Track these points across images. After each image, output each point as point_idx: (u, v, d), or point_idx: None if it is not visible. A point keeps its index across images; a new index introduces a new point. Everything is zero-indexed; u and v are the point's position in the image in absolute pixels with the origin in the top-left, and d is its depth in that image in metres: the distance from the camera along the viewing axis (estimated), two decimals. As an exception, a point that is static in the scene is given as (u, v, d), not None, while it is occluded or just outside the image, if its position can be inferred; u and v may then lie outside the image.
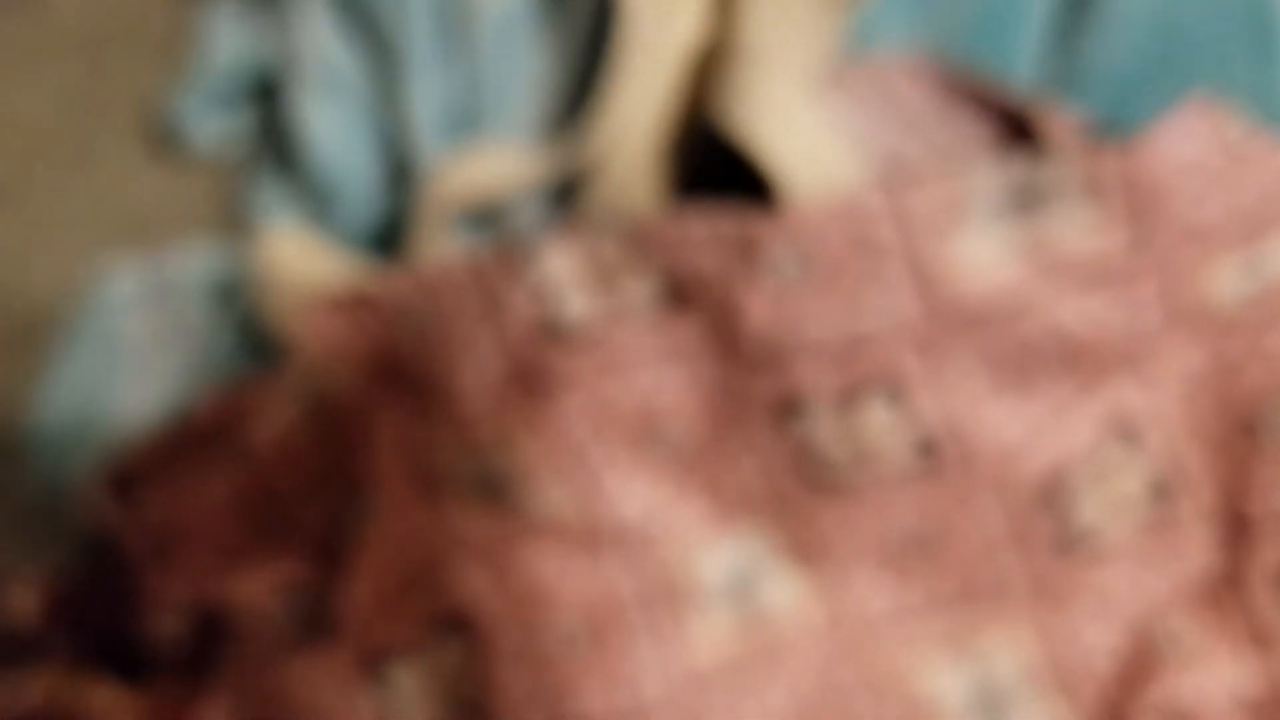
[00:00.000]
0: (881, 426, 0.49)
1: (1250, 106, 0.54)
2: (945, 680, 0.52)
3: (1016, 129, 0.53)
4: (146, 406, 0.59)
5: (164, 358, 0.61)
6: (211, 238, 0.63)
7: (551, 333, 0.50)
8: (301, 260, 0.55)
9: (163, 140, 0.66)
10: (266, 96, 0.65)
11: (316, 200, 0.60)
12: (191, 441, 0.54)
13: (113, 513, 0.53)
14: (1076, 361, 0.50)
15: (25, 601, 0.54)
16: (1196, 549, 0.53)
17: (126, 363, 0.61)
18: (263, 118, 0.65)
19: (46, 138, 0.69)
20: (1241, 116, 0.50)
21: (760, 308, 0.48)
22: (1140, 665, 0.52)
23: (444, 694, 0.52)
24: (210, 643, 0.54)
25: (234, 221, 0.64)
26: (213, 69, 0.65)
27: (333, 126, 0.60)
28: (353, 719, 0.52)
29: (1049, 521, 0.51)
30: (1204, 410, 0.52)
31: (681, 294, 0.50)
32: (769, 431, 0.50)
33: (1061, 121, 0.52)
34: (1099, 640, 0.52)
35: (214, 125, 0.65)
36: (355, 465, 0.53)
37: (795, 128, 0.50)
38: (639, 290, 0.50)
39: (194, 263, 0.62)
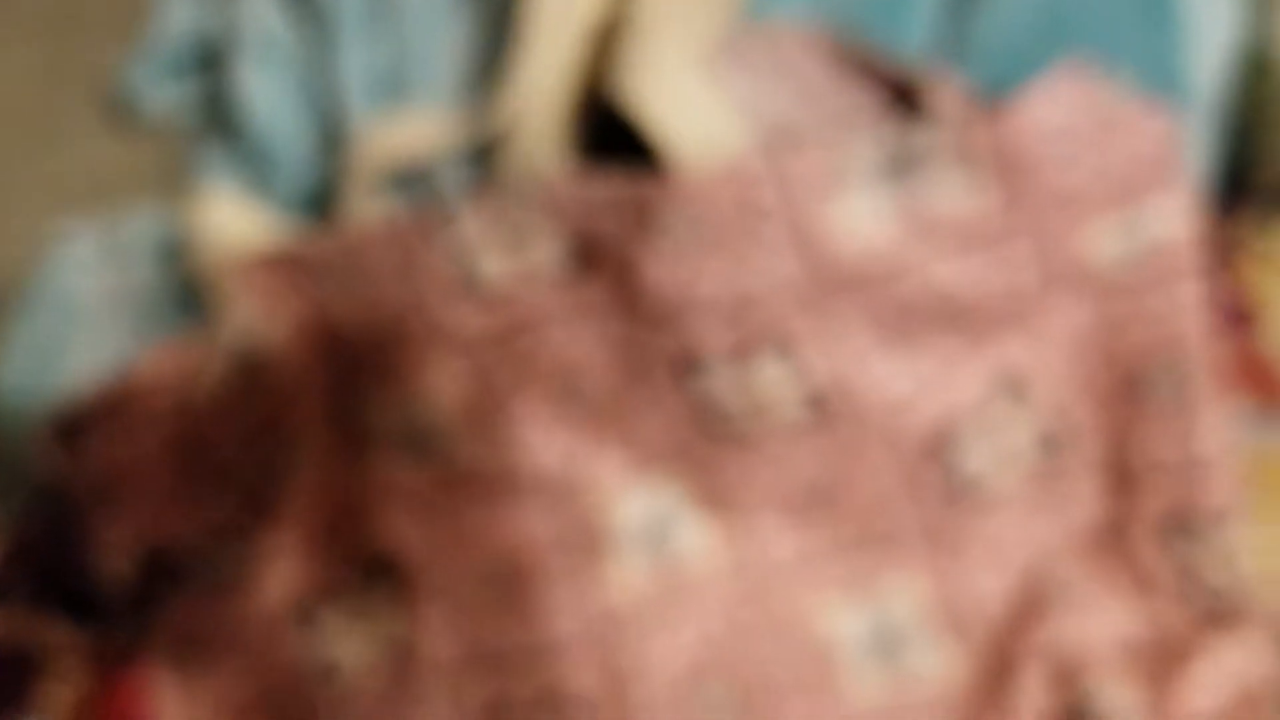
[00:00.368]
0: (773, 381, 0.52)
1: (1140, 76, 0.57)
2: (844, 622, 0.55)
3: (905, 98, 0.55)
4: (100, 362, 0.62)
5: (116, 316, 0.63)
6: (162, 202, 0.66)
7: (467, 291, 0.53)
8: (234, 221, 0.58)
9: (118, 111, 0.69)
10: (213, 67, 0.67)
11: (255, 164, 0.63)
12: (133, 395, 0.57)
13: (61, 461, 0.56)
14: (961, 320, 0.52)
15: (-21, 544, 0.57)
16: (1083, 499, 0.56)
17: (81, 321, 0.63)
18: (209, 87, 0.67)
19: (9, 114, 0.72)
20: (1121, 81, 0.52)
21: (656, 268, 0.51)
22: (1029, 609, 0.55)
23: (370, 634, 0.55)
24: (153, 584, 0.57)
25: (183, 186, 0.67)
26: (163, 41, 0.68)
27: (269, 94, 0.63)
28: (283, 658, 0.55)
29: (938, 472, 0.54)
30: (1090, 368, 0.55)
31: (587, 255, 0.52)
32: (672, 386, 0.53)
33: (947, 91, 0.55)
34: (990, 585, 0.56)
35: (164, 94, 0.68)
36: (285, 417, 0.56)
37: (683, 99, 0.52)
38: (548, 251, 0.53)
39: (145, 226, 0.64)
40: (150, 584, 0.57)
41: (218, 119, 0.66)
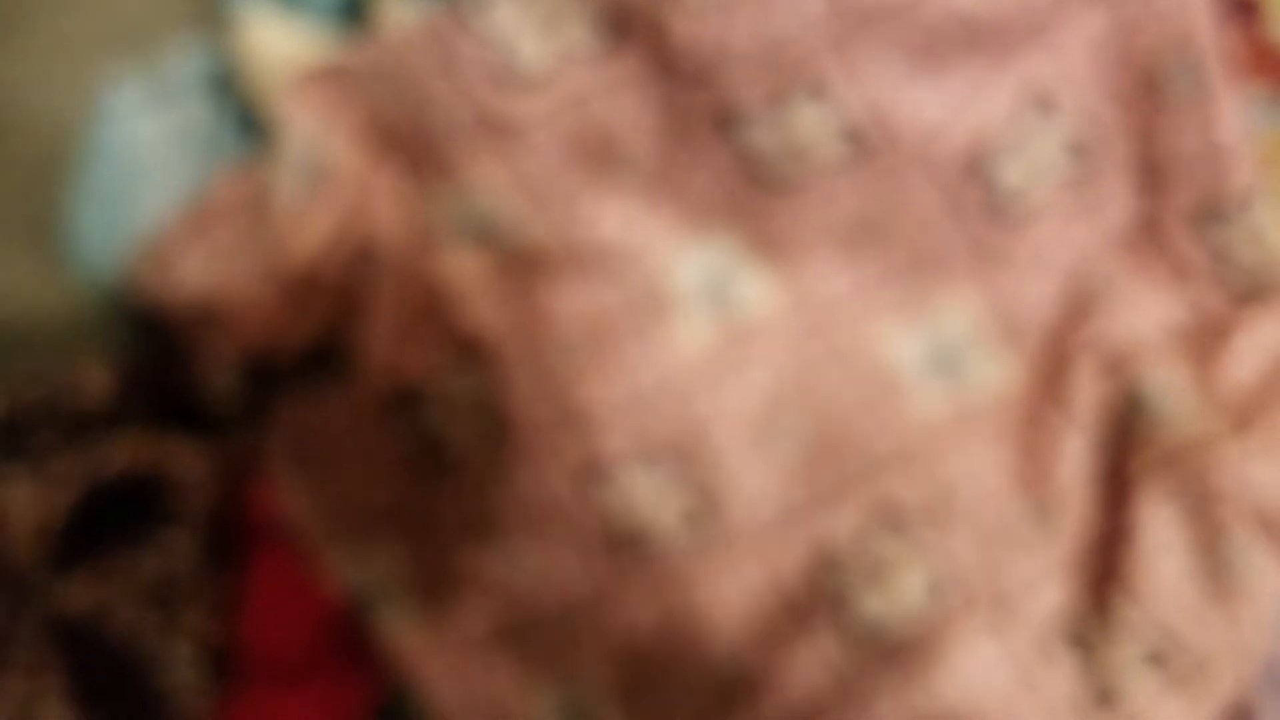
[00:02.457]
0: (810, 122, 0.55)
1: None
2: (904, 344, 0.59)
3: None
4: (169, 198, 0.65)
5: (179, 154, 0.66)
6: (201, 36, 0.68)
7: (509, 78, 0.55)
8: (277, 42, 0.60)
9: None
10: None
11: None
12: (213, 217, 0.60)
13: (157, 289, 0.59)
14: (983, 41, 0.55)
15: (97, 381, 0.61)
16: (1116, 199, 0.59)
17: (146, 164, 0.66)
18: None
19: None
20: None
21: (685, 26, 0.53)
22: (1076, 308, 0.59)
23: (467, 411, 0.59)
24: (264, 393, 0.61)
25: (218, 16, 0.68)
26: None
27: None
28: (389, 444, 0.60)
29: (977, 190, 0.57)
30: (1110, 72, 0.57)
31: (619, 25, 0.55)
32: (715, 140, 0.56)
33: None
34: (1038, 291, 0.59)
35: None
36: (357, 221, 0.59)
37: None
38: (582, 27, 0.55)
39: (190, 62, 0.66)
40: (262, 393, 0.61)
41: None
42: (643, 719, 0.56)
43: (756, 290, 0.58)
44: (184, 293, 0.58)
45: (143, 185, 0.65)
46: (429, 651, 0.58)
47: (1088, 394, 0.57)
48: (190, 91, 0.65)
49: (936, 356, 0.59)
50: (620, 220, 0.57)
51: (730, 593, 0.56)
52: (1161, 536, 0.55)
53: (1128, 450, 0.56)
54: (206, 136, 0.65)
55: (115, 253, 0.64)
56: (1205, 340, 0.58)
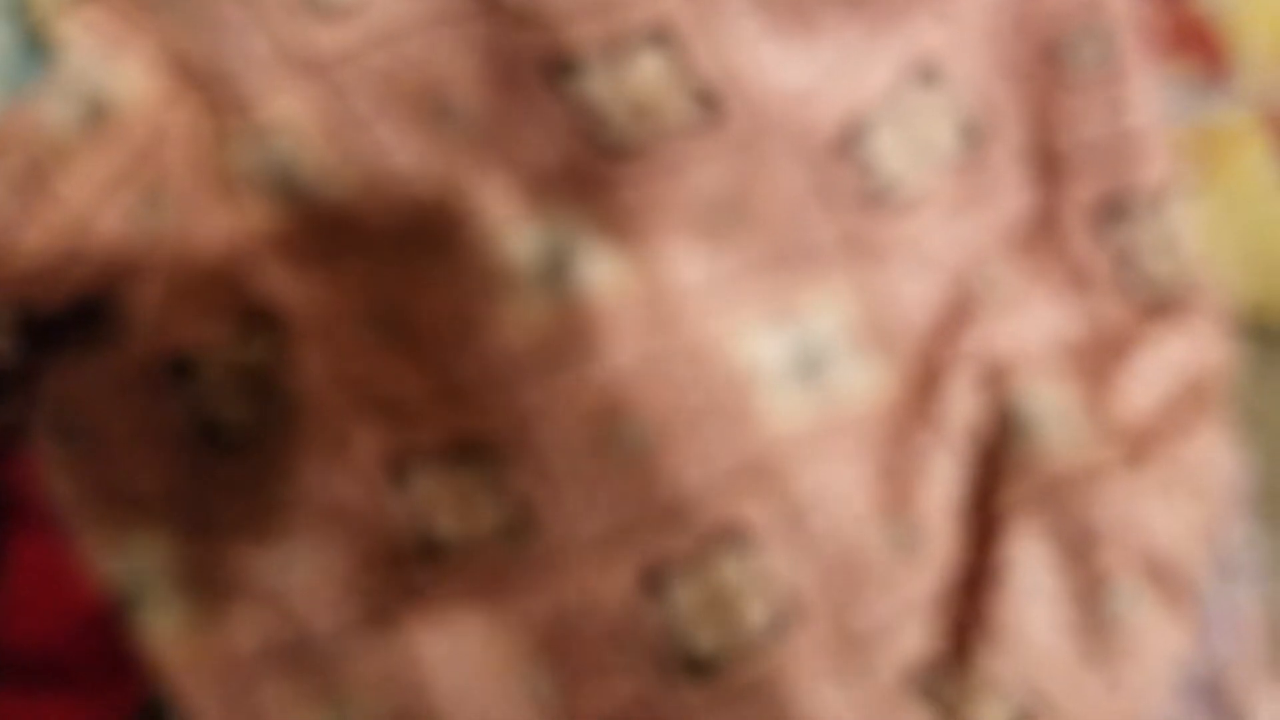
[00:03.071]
0: (656, 77, 0.49)
1: None
2: (764, 344, 0.53)
3: None
4: None
5: None
6: None
7: (311, 6, 0.49)
8: None
9: None
10: None
11: None
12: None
13: None
14: (861, 2, 0.48)
15: None
16: (1010, 191, 0.54)
17: None
18: None
19: None
20: None
21: None
22: (957, 314, 0.54)
23: (248, 389, 0.53)
24: (36, 355, 0.55)
25: None
26: None
27: None
28: (159, 420, 0.53)
29: (851, 173, 0.52)
30: (1007, 42, 0.52)
31: None
32: (548, 93, 0.50)
33: None
34: (916, 293, 0.54)
35: None
36: (144, 166, 0.53)
37: None
38: None
39: None
40: (32, 358, 0.54)
41: None
42: None
43: (600, 272, 0.52)
44: None
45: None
46: (192, 663, 0.52)
47: (963, 410, 0.52)
48: None
49: (799, 359, 0.53)
50: (440, 179, 0.51)
51: (536, 624, 0.50)
52: (1034, 581, 0.50)
53: (1002, 477, 0.52)
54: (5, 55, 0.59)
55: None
56: (1101, 356, 0.53)
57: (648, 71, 0.49)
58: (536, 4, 0.48)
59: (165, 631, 0.53)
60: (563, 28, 0.48)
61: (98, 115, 0.52)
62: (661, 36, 0.49)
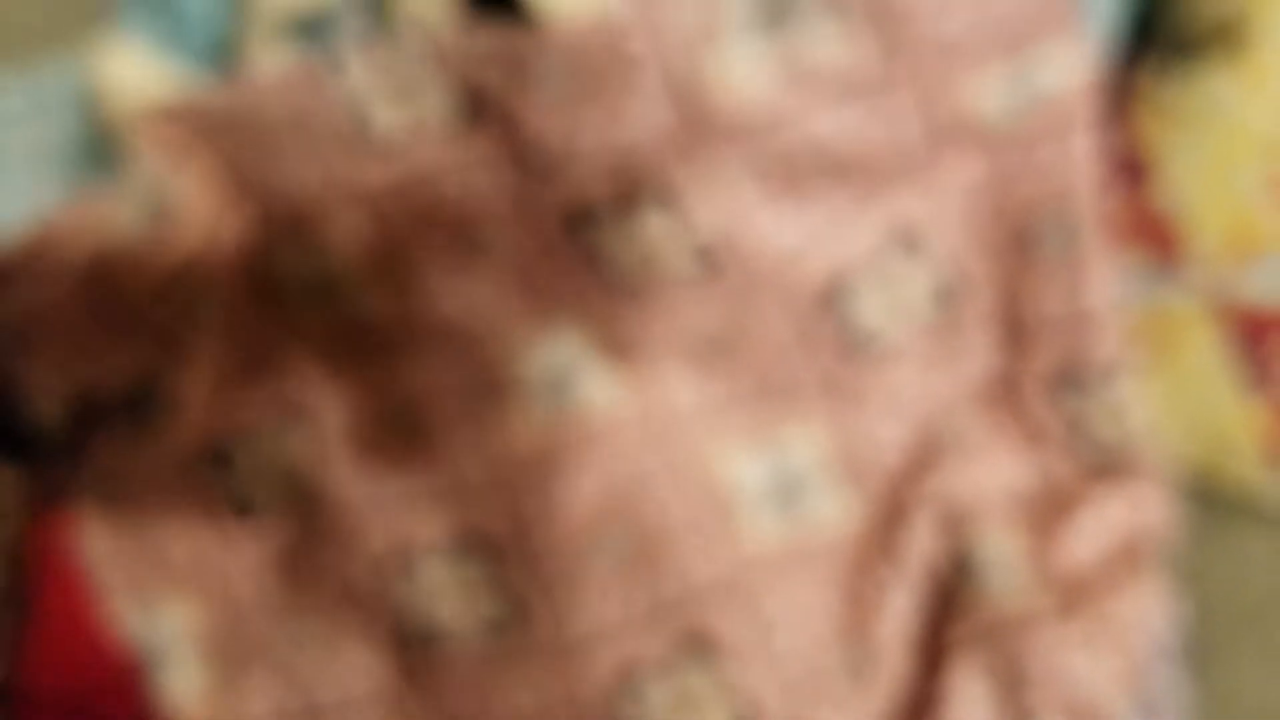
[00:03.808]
0: (659, 232, 0.55)
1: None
2: (745, 468, 0.59)
3: None
4: (23, 212, 0.65)
5: (41, 167, 0.65)
6: (77, 51, 0.68)
7: (361, 142, 0.55)
8: (141, 73, 0.60)
9: None
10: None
11: (166, 14, 0.65)
12: (49, 245, 0.59)
13: None
14: (848, 173, 0.56)
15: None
16: (978, 352, 0.59)
17: (7, 171, 0.66)
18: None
19: None
20: None
21: (537, 119, 0.54)
22: (923, 458, 0.59)
23: (278, 477, 0.59)
24: (82, 427, 0.60)
25: (99, 36, 0.69)
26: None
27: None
28: (196, 498, 0.59)
29: (831, 324, 0.58)
30: (982, 221, 0.58)
31: (474, 107, 0.55)
32: (565, 237, 0.56)
33: None
34: (887, 435, 0.59)
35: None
36: (197, 266, 0.59)
37: None
38: (437, 103, 0.55)
39: (67, 76, 0.66)
40: (79, 426, 0.60)
41: None
42: None
43: (601, 390, 0.58)
44: (10, 316, 0.58)
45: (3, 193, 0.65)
46: None
47: (921, 550, 0.58)
48: (62, 106, 0.66)
49: (777, 485, 0.59)
50: (466, 301, 0.57)
51: (522, 710, 0.55)
52: (971, 712, 0.55)
53: (951, 615, 0.57)
54: (69, 154, 0.65)
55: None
56: (1049, 510, 0.58)
57: (653, 227, 0.55)
58: (559, 163, 0.54)
59: (185, 693, 0.58)
60: (581, 185, 0.54)
61: (161, 219, 0.58)
62: (666, 198, 0.55)
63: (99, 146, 0.65)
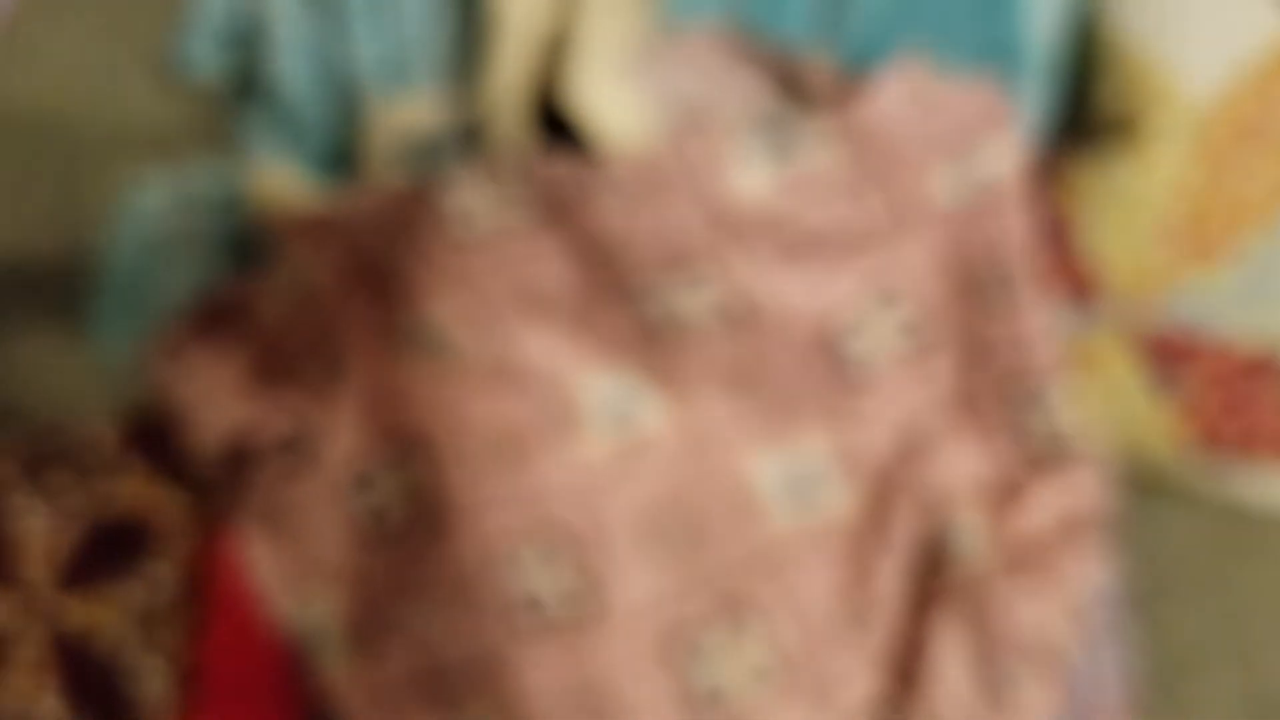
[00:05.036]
0: (688, 304, 0.68)
1: (982, 47, 0.71)
2: (765, 470, 0.71)
3: (789, 78, 0.71)
4: (176, 294, 0.77)
5: (186, 256, 0.78)
6: (212, 156, 0.80)
7: (459, 242, 0.67)
8: (281, 187, 0.73)
9: (169, 74, 0.83)
10: (250, 41, 0.81)
11: (287, 129, 0.78)
12: (215, 317, 0.73)
13: (164, 372, 0.72)
14: (834, 248, 0.68)
15: (105, 437, 0.73)
16: (943, 373, 0.72)
17: (159, 260, 0.78)
18: (246, 58, 0.81)
19: (75, 74, 0.85)
20: (947, 68, 0.65)
21: (598, 222, 0.66)
22: (905, 457, 0.72)
23: (407, 495, 0.71)
24: (244, 465, 0.73)
25: (227, 143, 0.81)
26: (208, 14, 0.82)
27: (296, 71, 0.78)
28: (343, 517, 0.72)
29: (827, 359, 0.70)
30: (941, 275, 0.70)
31: (548, 211, 0.67)
32: (618, 303, 0.68)
33: (820, 73, 0.70)
34: (876, 440, 0.72)
35: (209, 62, 0.82)
36: (335, 330, 0.72)
37: (609, 99, 0.68)
38: (520, 212, 0.67)
39: (205, 179, 0.79)
40: (241, 464, 0.73)
41: (255, 89, 0.80)
42: None
43: (650, 415, 0.70)
44: (188, 377, 0.71)
45: (156, 281, 0.77)
46: (355, 687, 0.70)
47: (905, 528, 0.70)
48: (203, 205, 0.78)
49: (791, 483, 0.71)
50: (543, 348, 0.70)
51: (607, 658, 0.68)
52: (949, 650, 0.67)
53: (931, 576, 0.69)
54: (212, 246, 0.78)
55: (129, 334, 0.77)
56: (1003, 495, 0.70)
57: (684, 301, 0.67)
58: (615, 254, 0.66)
59: (335, 665, 0.70)
60: (632, 270, 0.67)
61: (301, 295, 0.71)
62: (695, 280, 0.67)
63: (236, 239, 0.77)
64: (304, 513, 0.72)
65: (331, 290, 0.71)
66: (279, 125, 0.79)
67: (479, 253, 0.68)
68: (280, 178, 0.73)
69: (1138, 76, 0.70)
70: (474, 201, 0.67)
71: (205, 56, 0.82)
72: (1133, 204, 0.70)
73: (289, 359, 0.72)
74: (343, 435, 0.72)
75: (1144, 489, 0.76)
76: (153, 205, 0.79)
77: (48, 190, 0.82)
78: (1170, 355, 0.72)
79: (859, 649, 0.69)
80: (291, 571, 0.73)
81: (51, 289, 0.80)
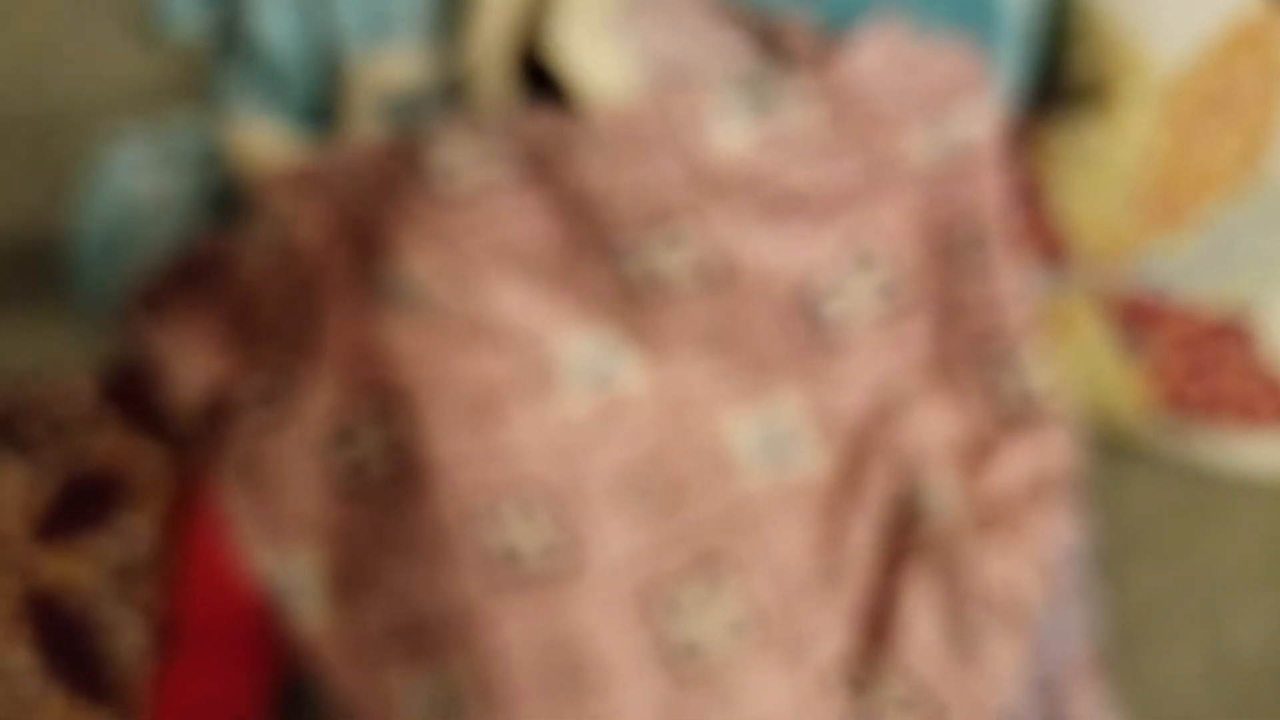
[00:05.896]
0: (667, 262, 0.68)
1: (957, 10, 0.72)
2: (741, 430, 0.72)
3: (768, 37, 0.71)
4: (155, 247, 0.76)
5: (164, 209, 0.78)
6: (192, 111, 0.81)
7: (442, 199, 0.68)
8: (259, 138, 0.73)
9: (147, 28, 0.83)
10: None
11: (269, 84, 0.78)
12: (194, 271, 0.73)
13: (142, 325, 0.72)
14: (813, 208, 0.68)
15: (84, 389, 0.73)
16: (917, 334, 0.73)
17: (137, 214, 0.78)
18: (228, 13, 0.82)
19: (51, 29, 0.84)
20: (923, 31, 0.66)
21: (579, 177, 0.66)
22: (880, 418, 0.73)
23: (387, 450, 0.72)
24: (222, 418, 0.73)
25: (209, 98, 0.81)
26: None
27: (278, 25, 0.78)
28: (322, 471, 0.72)
29: (804, 319, 0.71)
30: (916, 235, 0.71)
31: (532, 168, 0.67)
32: (599, 260, 0.69)
33: (799, 33, 0.70)
34: (851, 401, 0.73)
35: (189, 16, 0.82)
36: (314, 284, 0.72)
37: (591, 54, 0.68)
38: (502, 168, 0.67)
39: (185, 134, 0.79)
40: (220, 418, 0.73)
41: (236, 43, 0.80)
42: (502, 712, 0.70)
43: (629, 374, 0.71)
44: (165, 328, 0.71)
45: (133, 234, 0.77)
46: (333, 641, 0.70)
47: (878, 487, 0.71)
48: (183, 159, 0.78)
49: (766, 442, 0.72)
50: (522, 305, 0.70)
51: (584, 612, 0.69)
52: (920, 605, 0.68)
53: (903, 534, 0.70)
54: (192, 199, 0.77)
55: (107, 289, 0.77)
56: (975, 454, 0.72)
57: (664, 259, 0.68)
58: (596, 209, 0.66)
59: (313, 618, 0.71)
60: (613, 226, 0.67)
61: (284, 249, 0.71)
62: (674, 238, 0.67)
63: (216, 193, 0.77)
64: (282, 466, 0.72)
65: (311, 245, 0.72)
66: (260, 81, 0.79)
67: (460, 209, 0.68)
68: (261, 133, 0.73)
69: (1109, 44, 0.71)
70: (455, 157, 0.67)
71: (185, 13, 0.82)
72: (1103, 169, 0.70)
73: (268, 313, 0.72)
74: (322, 390, 0.72)
75: (1111, 450, 0.77)
76: (131, 160, 0.79)
77: (25, 147, 0.82)
78: (1138, 318, 0.73)
79: (832, 605, 0.70)
80: (269, 525, 0.73)
81: (29, 248, 0.79)
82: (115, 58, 0.83)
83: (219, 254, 0.73)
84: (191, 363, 0.72)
